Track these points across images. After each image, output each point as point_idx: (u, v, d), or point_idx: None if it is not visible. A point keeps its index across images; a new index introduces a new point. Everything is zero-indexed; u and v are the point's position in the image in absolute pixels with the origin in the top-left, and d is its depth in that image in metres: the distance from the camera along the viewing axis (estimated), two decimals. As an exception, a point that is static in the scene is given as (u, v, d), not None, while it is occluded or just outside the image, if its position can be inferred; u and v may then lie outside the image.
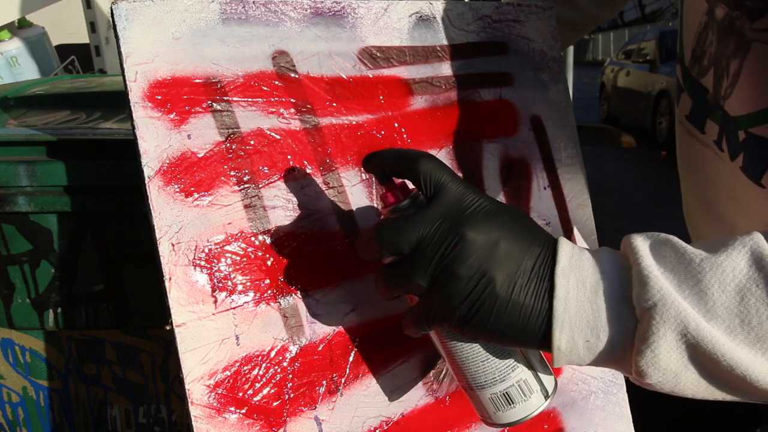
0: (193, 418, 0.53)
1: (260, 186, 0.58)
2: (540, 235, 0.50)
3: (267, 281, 0.57)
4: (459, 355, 0.54)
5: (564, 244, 0.49)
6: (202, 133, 0.56)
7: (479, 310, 0.48)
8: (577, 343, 0.48)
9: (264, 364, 0.56)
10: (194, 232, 0.54)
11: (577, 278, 0.48)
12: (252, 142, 0.58)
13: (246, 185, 0.57)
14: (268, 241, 0.58)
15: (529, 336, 0.48)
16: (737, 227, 0.70)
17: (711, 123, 0.71)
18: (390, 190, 0.54)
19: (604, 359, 0.48)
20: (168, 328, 0.67)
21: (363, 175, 0.64)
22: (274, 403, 0.56)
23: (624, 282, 0.48)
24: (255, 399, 0.55)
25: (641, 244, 0.48)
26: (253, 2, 0.60)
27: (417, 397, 0.65)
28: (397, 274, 0.51)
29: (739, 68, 0.64)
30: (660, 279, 0.46)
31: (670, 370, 0.46)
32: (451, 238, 0.48)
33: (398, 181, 0.54)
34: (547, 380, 0.56)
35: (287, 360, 0.57)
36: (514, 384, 0.54)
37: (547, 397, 0.55)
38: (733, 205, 0.71)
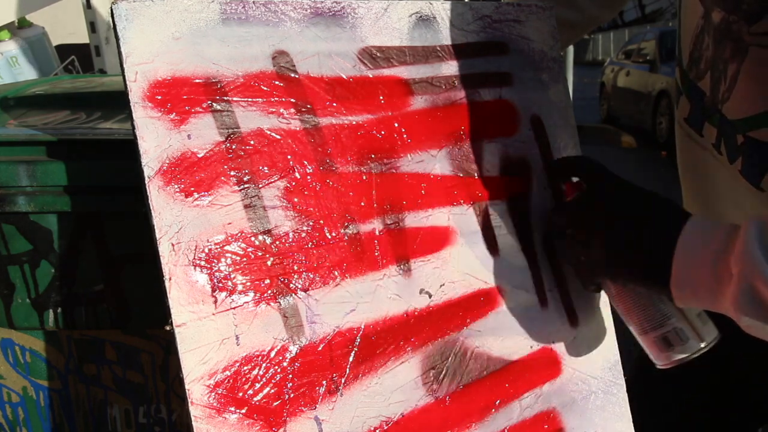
0: (193, 418, 0.53)
1: (260, 186, 0.58)
2: (679, 212, 0.62)
3: (267, 281, 0.57)
4: (625, 306, 0.70)
5: (695, 218, 0.60)
6: (202, 133, 0.56)
7: (626, 263, 0.63)
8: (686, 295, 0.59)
9: (264, 364, 0.56)
10: (194, 232, 0.54)
11: (690, 248, 0.58)
12: (252, 142, 0.58)
13: (246, 185, 0.57)
14: (268, 241, 0.58)
15: (657, 286, 0.62)
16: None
17: (709, 126, 0.72)
18: (569, 189, 0.74)
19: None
20: (168, 328, 0.67)
21: (363, 175, 0.64)
22: (274, 403, 0.56)
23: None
24: (255, 399, 0.55)
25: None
26: (253, 2, 0.60)
27: (417, 397, 0.65)
28: (569, 244, 0.70)
29: (736, 72, 0.65)
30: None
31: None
32: (599, 215, 0.65)
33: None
34: (704, 331, 0.68)
35: (287, 360, 0.57)
36: (671, 330, 0.68)
37: (701, 341, 0.68)
38: (733, 207, 0.70)
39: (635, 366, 0.96)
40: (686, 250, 0.58)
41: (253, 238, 0.57)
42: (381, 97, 0.66)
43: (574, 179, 0.73)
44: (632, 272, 0.64)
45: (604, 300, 0.80)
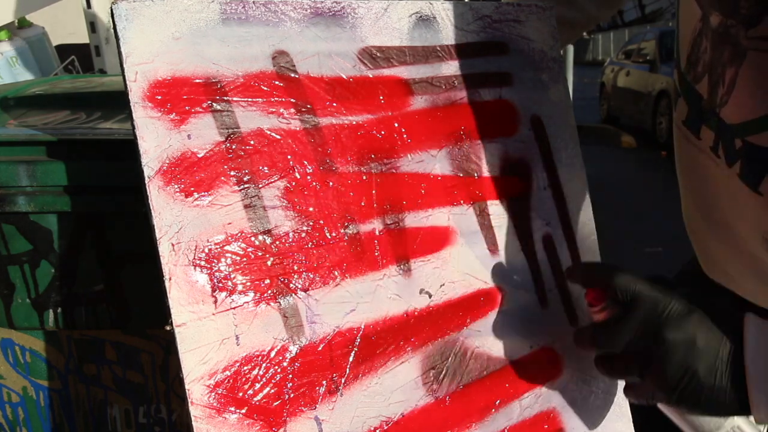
0: (193, 418, 0.53)
1: (260, 186, 0.58)
2: (729, 322, 0.59)
3: (267, 281, 0.57)
4: (677, 412, 0.67)
5: (750, 326, 0.58)
6: (202, 133, 0.56)
7: (688, 398, 0.59)
8: None
9: (264, 364, 0.56)
10: (194, 232, 0.54)
11: (765, 359, 0.57)
12: (252, 142, 0.58)
13: (246, 185, 0.57)
14: (268, 241, 0.58)
15: (731, 410, 0.59)
16: (736, 232, 0.70)
17: (706, 130, 0.72)
18: (593, 293, 0.66)
19: None
20: (168, 328, 0.67)
21: (363, 175, 0.64)
22: (274, 403, 0.56)
23: None
24: (255, 399, 0.55)
25: None
26: (253, 2, 0.60)
27: (417, 397, 0.65)
28: (616, 369, 0.65)
29: (734, 76, 0.64)
30: None
31: None
32: (654, 339, 0.60)
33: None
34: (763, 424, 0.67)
35: (287, 360, 0.57)
36: (731, 429, 0.65)
37: None
38: (731, 210, 0.70)
39: None
40: (758, 371, 0.57)
41: (253, 238, 0.57)
42: (381, 97, 0.66)
43: None
44: (700, 407, 0.61)
45: (604, 300, 0.80)
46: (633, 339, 0.61)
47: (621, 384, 0.81)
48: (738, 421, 0.66)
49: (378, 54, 0.66)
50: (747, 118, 0.63)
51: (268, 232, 0.58)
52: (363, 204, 0.64)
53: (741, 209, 0.68)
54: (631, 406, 0.81)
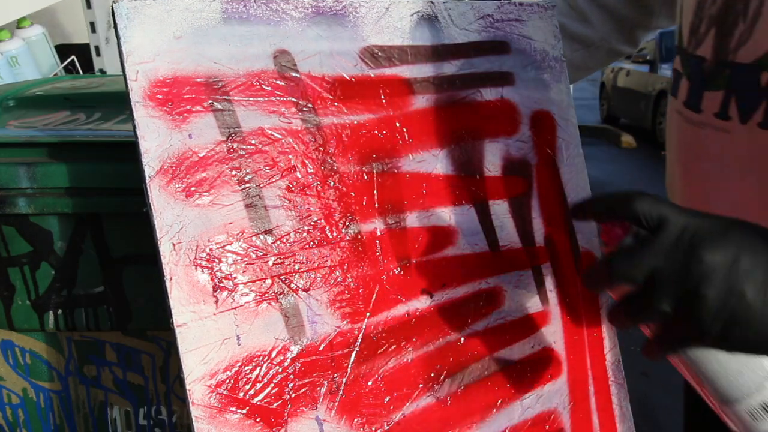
0: (194, 419, 0.52)
1: (261, 185, 0.58)
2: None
3: (268, 281, 0.57)
4: (707, 374, 0.54)
5: None
6: (203, 133, 0.56)
7: (734, 325, 0.49)
8: None
9: (265, 364, 0.56)
10: (195, 231, 0.54)
11: None
12: (253, 142, 0.58)
13: (247, 185, 0.57)
14: (269, 240, 0.58)
15: None
16: (759, 200, 0.66)
17: (709, 95, 0.68)
18: (611, 230, 0.56)
19: None
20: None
21: (365, 174, 0.64)
22: (275, 404, 0.56)
23: None
24: (256, 399, 0.55)
25: None
26: (255, 1, 0.60)
27: (418, 397, 0.65)
28: (638, 304, 0.53)
29: (760, 2, 0.60)
30: None
31: None
32: (690, 261, 0.50)
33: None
34: None
35: (288, 360, 0.57)
36: (759, 401, 0.53)
37: None
38: (743, 175, 0.66)
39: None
40: None
41: (254, 238, 0.57)
42: (382, 97, 0.66)
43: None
44: (749, 343, 0.51)
45: (605, 301, 0.80)
46: (662, 265, 0.51)
47: (621, 384, 0.81)
48: None
49: (379, 53, 0.66)
50: None
51: (269, 231, 0.58)
52: (364, 204, 0.63)
53: (758, 167, 0.63)
54: (632, 407, 0.81)
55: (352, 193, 0.63)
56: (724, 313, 0.49)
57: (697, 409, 0.90)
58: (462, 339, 0.68)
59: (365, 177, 0.64)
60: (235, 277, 0.56)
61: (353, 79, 0.64)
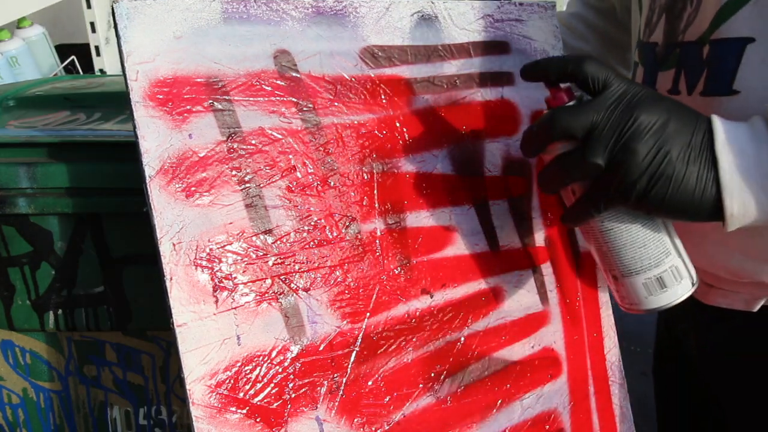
0: (194, 419, 0.52)
1: (261, 185, 0.58)
2: (699, 115, 0.57)
3: (268, 281, 0.57)
4: (616, 243, 0.59)
5: (716, 121, 0.56)
6: (203, 133, 0.56)
7: (658, 182, 0.54)
8: (748, 206, 0.54)
9: (265, 365, 0.56)
10: (195, 231, 0.54)
11: (737, 150, 0.54)
12: (253, 142, 0.58)
13: (247, 185, 0.57)
14: (270, 240, 0.58)
15: (704, 206, 0.55)
16: None
17: (662, 74, 0.75)
18: (557, 93, 0.60)
19: None
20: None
21: (365, 174, 0.64)
22: (276, 404, 0.56)
23: None
24: (256, 399, 0.55)
25: None
26: (255, 1, 0.60)
27: (418, 397, 0.65)
28: (573, 158, 0.57)
29: None
30: None
31: None
32: (626, 119, 0.55)
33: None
34: (693, 269, 0.61)
35: (288, 360, 0.57)
36: (667, 269, 0.59)
37: (693, 284, 0.61)
38: None
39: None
40: (735, 156, 0.54)
41: (254, 238, 0.57)
42: (382, 97, 0.66)
43: (563, 85, 0.61)
44: (667, 204, 0.55)
45: (605, 301, 0.80)
46: (601, 119, 0.55)
47: (622, 384, 0.81)
48: (677, 260, 0.60)
49: (380, 53, 0.66)
50: (718, 6, 0.65)
51: (269, 231, 0.58)
52: (364, 204, 0.63)
53: None
54: (632, 407, 0.81)
55: (352, 193, 0.63)
56: (651, 169, 0.54)
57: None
58: (462, 339, 0.68)
59: (365, 177, 0.64)
60: (235, 277, 0.56)
61: (353, 79, 0.64)
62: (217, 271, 0.55)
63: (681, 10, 0.71)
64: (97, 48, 1.88)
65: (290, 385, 0.57)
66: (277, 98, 0.60)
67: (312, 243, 0.60)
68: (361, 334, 0.61)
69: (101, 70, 1.90)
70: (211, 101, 0.56)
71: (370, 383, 0.62)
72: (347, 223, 0.62)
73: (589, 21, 0.99)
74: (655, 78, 0.76)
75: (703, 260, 0.72)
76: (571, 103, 0.59)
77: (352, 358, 0.61)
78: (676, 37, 0.72)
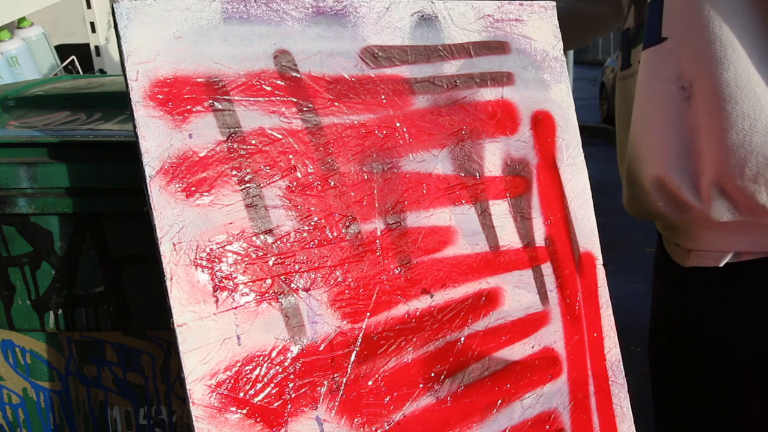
0: (194, 418, 0.52)
1: (262, 185, 0.58)
2: None
3: (268, 281, 0.57)
4: None
5: None
6: (203, 133, 0.56)
7: None
8: None
9: (265, 364, 0.56)
10: (196, 231, 0.54)
11: None
12: (253, 142, 0.58)
13: (247, 185, 0.57)
14: (270, 240, 0.58)
15: None
16: (664, 124, 0.78)
17: (635, 51, 0.86)
18: None
19: None
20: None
21: (365, 174, 0.64)
22: (276, 404, 0.56)
23: None
24: (256, 399, 0.55)
25: None
26: (255, 1, 0.60)
27: (418, 397, 0.65)
28: None
29: None
30: None
31: None
32: None
33: None
34: None
35: (288, 360, 0.57)
36: None
37: None
38: (660, 108, 0.78)
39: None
40: None
41: (254, 238, 0.57)
42: (383, 97, 0.66)
43: None
44: None
45: (605, 301, 0.80)
46: None
47: (622, 384, 0.81)
48: None
49: (380, 53, 0.66)
50: None
51: (269, 231, 0.58)
52: (364, 204, 0.63)
53: (666, 92, 0.76)
54: (632, 407, 0.81)
55: (353, 193, 0.63)
56: None
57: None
58: (462, 339, 0.68)
59: (365, 177, 0.64)
60: (236, 277, 0.56)
61: (353, 79, 0.64)
62: (217, 271, 0.55)
63: None
64: (97, 48, 1.88)
65: (290, 385, 0.57)
66: (277, 98, 0.60)
67: (312, 243, 0.60)
68: (361, 334, 0.61)
69: (101, 70, 1.90)
70: (211, 101, 0.56)
71: (370, 383, 0.62)
72: (347, 223, 0.62)
73: None
74: (629, 55, 0.88)
75: (688, 240, 0.84)
76: None
77: (353, 358, 0.61)
78: (642, 18, 0.82)
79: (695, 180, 0.75)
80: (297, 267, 0.59)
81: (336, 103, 0.63)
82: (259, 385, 0.56)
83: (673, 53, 0.74)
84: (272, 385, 0.56)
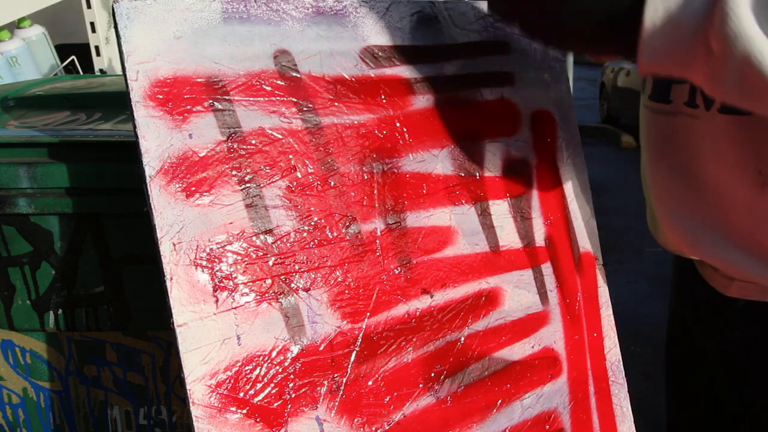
0: (194, 418, 0.52)
1: (262, 185, 0.58)
2: None
3: (268, 281, 0.57)
4: None
5: None
6: (203, 133, 0.56)
7: None
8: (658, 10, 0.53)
9: (265, 364, 0.56)
10: (196, 231, 0.54)
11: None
12: (253, 142, 0.58)
13: (247, 185, 0.57)
14: (270, 240, 0.58)
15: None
16: (717, 185, 0.73)
17: (677, 87, 0.76)
18: None
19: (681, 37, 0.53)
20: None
21: (365, 174, 0.64)
22: (276, 404, 0.56)
23: None
24: (256, 399, 0.55)
25: None
26: (255, 1, 0.60)
27: (418, 397, 0.65)
28: None
29: None
30: None
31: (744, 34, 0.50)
32: None
33: None
34: None
35: (288, 360, 0.57)
36: None
37: None
38: (717, 160, 0.72)
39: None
40: (654, 22, 0.54)
41: (254, 238, 0.57)
42: (383, 97, 0.66)
43: None
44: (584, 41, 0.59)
45: (604, 301, 0.80)
46: None
47: (622, 384, 0.81)
48: None
49: (380, 53, 0.66)
50: None
51: (269, 231, 0.58)
52: (364, 203, 0.63)
53: (725, 153, 0.71)
54: (632, 407, 0.81)
55: (353, 193, 0.63)
56: None
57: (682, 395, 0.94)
58: (462, 339, 0.68)
59: (365, 177, 0.64)
60: (236, 277, 0.56)
61: (353, 79, 0.64)
62: (217, 271, 0.55)
63: None
64: (97, 48, 1.88)
65: (290, 385, 0.57)
66: (278, 98, 0.60)
67: (312, 243, 0.60)
68: (361, 334, 0.61)
69: (101, 70, 1.90)
70: (211, 101, 0.56)
71: (370, 383, 0.62)
72: (347, 223, 0.62)
73: None
74: (669, 89, 0.78)
75: (724, 263, 0.75)
76: None
77: (353, 358, 0.61)
78: None
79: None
80: (297, 267, 0.59)
81: (336, 103, 0.63)
82: (259, 385, 0.56)
83: (754, 140, 0.67)
84: (272, 385, 0.56)
